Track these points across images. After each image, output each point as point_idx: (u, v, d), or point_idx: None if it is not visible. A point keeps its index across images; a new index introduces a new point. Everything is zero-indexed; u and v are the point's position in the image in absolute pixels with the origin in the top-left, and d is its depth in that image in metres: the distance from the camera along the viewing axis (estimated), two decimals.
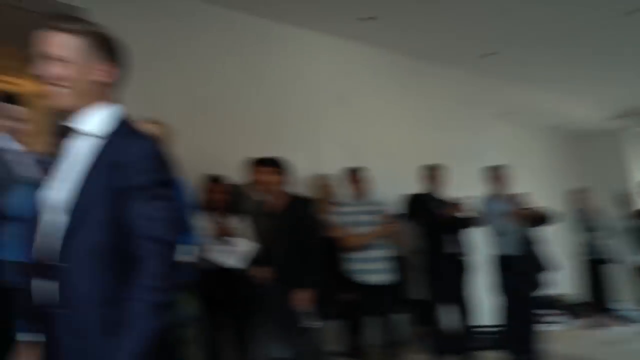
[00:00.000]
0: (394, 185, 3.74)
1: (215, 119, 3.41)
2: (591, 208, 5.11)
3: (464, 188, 3.69)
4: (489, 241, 3.60)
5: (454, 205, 3.50)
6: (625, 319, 5.10)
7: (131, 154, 1.01)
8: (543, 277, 3.53)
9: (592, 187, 5.43)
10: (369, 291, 3.14)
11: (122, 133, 1.06)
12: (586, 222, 5.09)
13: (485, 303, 3.90)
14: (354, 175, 3.39)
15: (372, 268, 3.17)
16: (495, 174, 3.62)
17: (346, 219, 3.24)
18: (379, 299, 3.16)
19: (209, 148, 3.24)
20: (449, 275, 3.46)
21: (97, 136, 1.04)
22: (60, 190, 1.02)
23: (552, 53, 4.60)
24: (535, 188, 4.09)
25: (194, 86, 3.38)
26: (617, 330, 4.74)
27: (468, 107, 5.05)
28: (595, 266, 5.08)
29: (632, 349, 3.99)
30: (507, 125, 5.89)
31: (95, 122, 1.06)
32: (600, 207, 5.14)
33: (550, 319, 4.60)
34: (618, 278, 5.16)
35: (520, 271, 3.43)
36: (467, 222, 3.55)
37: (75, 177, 1.01)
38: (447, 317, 3.52)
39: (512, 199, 3.49)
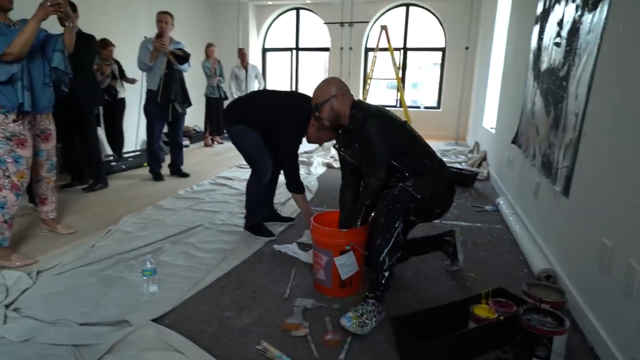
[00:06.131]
0: None
1: None
2: (215, 59, 6.73)
3: None
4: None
5: None
6: None
7: None
8: (184, 109, 4.57)
9: (218, 44, 7.15)
10: None
11: None
12: (211, 69, 6.69)
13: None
14: None
15: None
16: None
17: None
18: None
19: None
20: None
21: None
22: None
23: None
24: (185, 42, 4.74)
25: None
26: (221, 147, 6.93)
27: None
28: (212, 102, 6.84)
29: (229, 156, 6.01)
30: None
31: None
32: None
33: (185, 142, 6.18)
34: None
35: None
36: None
37: None
38: None
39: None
